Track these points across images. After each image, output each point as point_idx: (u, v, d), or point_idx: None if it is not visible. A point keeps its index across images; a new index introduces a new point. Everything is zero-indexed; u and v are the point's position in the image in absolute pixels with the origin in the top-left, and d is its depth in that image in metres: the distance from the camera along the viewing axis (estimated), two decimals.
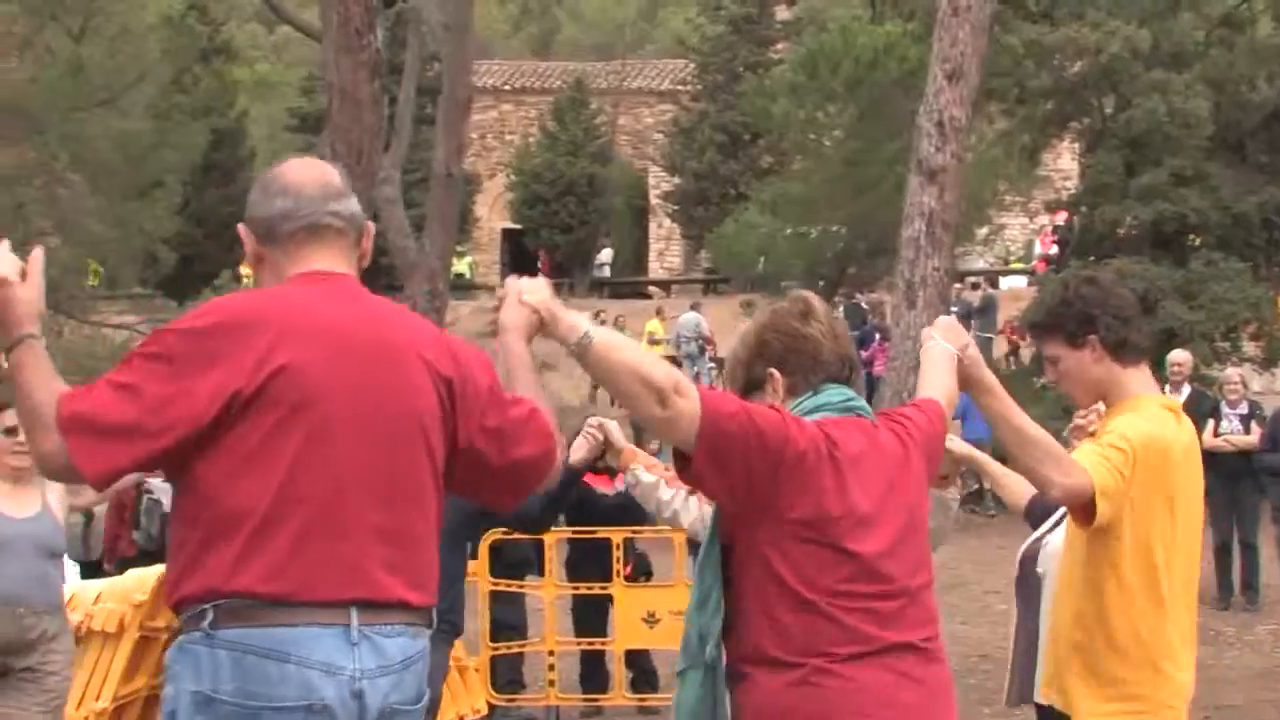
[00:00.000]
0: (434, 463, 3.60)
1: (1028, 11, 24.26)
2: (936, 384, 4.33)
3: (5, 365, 3.51)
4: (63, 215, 24.67)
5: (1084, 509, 4.50)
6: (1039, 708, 5.89)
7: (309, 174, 3.73)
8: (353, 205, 3.74)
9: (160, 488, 13.24)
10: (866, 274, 28.23)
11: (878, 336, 24.29)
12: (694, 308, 31.39)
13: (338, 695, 3.37)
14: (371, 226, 3.83)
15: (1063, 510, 5.96)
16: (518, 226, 47.73)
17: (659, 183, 48.16)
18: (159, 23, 30.48)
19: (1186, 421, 4.80)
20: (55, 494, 6.98)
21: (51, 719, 6.80)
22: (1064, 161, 38.95)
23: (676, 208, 46.16)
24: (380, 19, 9.22)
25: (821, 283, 27.75)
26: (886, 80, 25.35)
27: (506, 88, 52.47)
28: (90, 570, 12.58)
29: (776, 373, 4.01)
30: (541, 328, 3.83)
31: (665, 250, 49.47)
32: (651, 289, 45.68)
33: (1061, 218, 32.18)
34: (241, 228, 3.72)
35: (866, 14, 30.13)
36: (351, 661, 3.39)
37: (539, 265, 47.02)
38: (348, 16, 9.04)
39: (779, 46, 45.69)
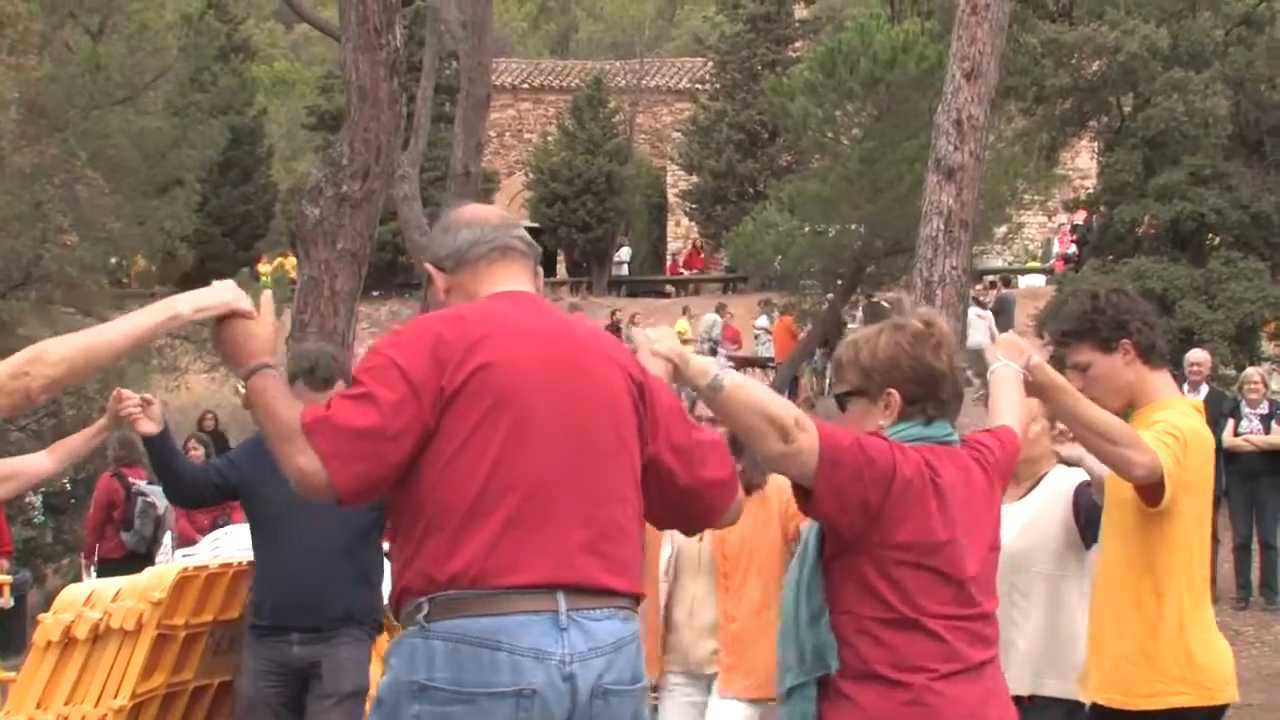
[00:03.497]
0: (631, 458, 3.75)
1: (1046, 10, 24.23)
2: (1011, 411, 4.44)
3: (243, 392, 3.77)
4: (81, 213, 24.73)
5: (1154, 489, 4.69)
6: (1051, 700, 5.93)
7: (488, 209, 4.09)
8: (529, 236, 3.99)
9: (154, 490, 13.25)
10: (884, 273, 28.17)
11: None
12: (718, 309, 31.44)
13: (547, 680, 3.50)
14: (540, 271, 4.06)
15: (1023, 517, 5.97)
16: (536, 225, 47.74)
17: (677, 181, 48.14)
18: (178, 21, 30.48)
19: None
20: None
21: None
22: (1082, 160, 38.90)
23: (694, 206, 46.13)
24: (399, 17, 9.22)
25: (839, 281, 27.72)
26: (904, 79, 25.29)
27: (525, 86, 52.50)
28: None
29: (897, 396, 4.09)
30: (674, 374, 4.00)
31: (683, 249, 49.44)
32: (669, 288, 45.66)
33: (1080, 217, 32.21)
34: (429, 267, 3.95)
35: (885, 12, 30.08)
36: (561, 646, 3.52)
37: (557, 263, 47.07)
38: (366, 15, 9.03)
39: (797, 45, 45.66)
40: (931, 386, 4.09)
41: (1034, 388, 4.56)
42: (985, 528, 4.09)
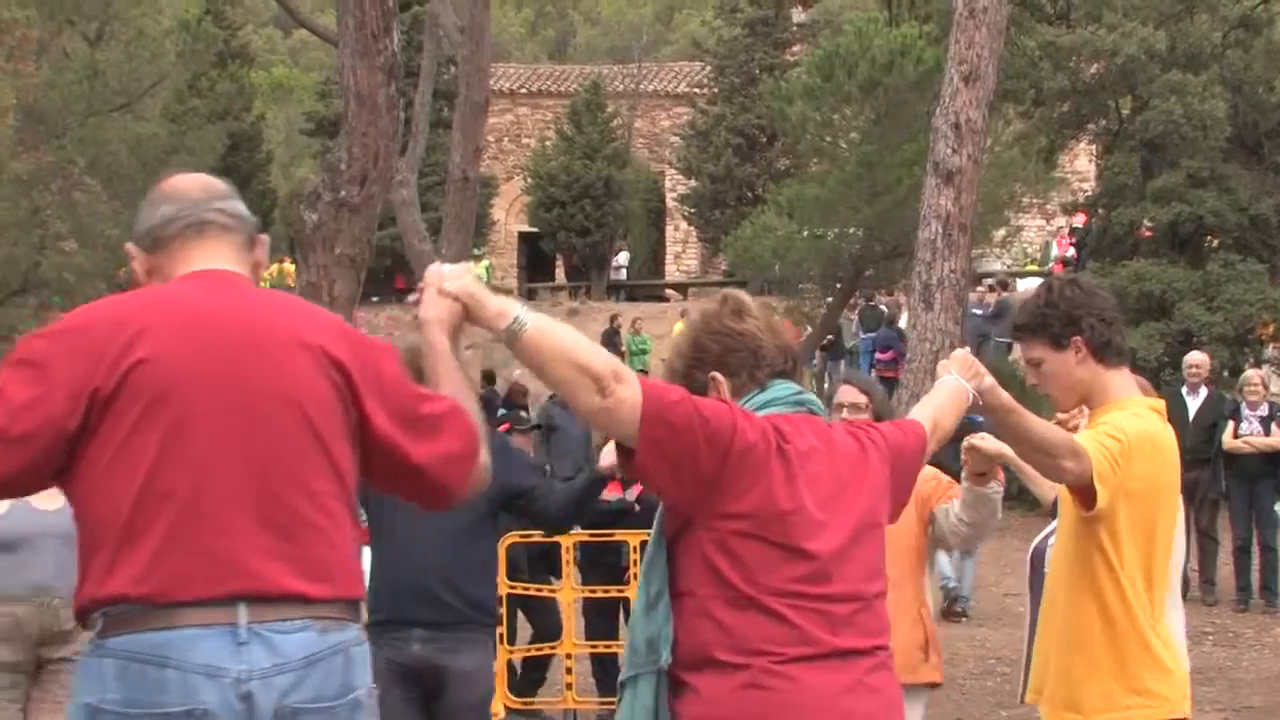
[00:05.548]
0: (326, 448, 3.39)
1: (1044, 13, 24.25)
2: (929, 410, 4.27)
3: None
4: (79, 219, 24.73)
5: (1085, 492, 4.50)
6: None
7: (191, 180, 3.63)
8: (240, 207, 3.60)
9: None
10: (883, 276, 28.17)
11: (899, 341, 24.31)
12: None
13: (221, 700, 3.19)
14: (265, 238, 3.68)
15: None
16: (534, 229, 47.78)
17: (675, 185, 48.12)
18: (175, 27, 30.54)
19: (1167, 425, 4.82)
20: None
21: None
22: (1081, 163, 38.92)
23: (693, 210, 46.12)
24: (397, 22, 9.22)
25: (838, 285, 27.73)
26: (903, 82, 25.28)
27: (523, 91, 52.50)
28: None
29: (719, 375, 3.86)
30: (468, 316, 3.64)
31: (682, 253, 49.46)
32: (668, 291, 45.66)
33: (1079, 219, 32.18)
34: (129, 248, 3.58)
35: (883, 16, 30.08)
36: (237, 663, 3.20)
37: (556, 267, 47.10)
38: (364, 20, 9.04)
39: (795, 49, 45.67)
40: (747, 351, 3.86)
41: (987, 409, 4.39)
42: (855, 503, 3.76)
